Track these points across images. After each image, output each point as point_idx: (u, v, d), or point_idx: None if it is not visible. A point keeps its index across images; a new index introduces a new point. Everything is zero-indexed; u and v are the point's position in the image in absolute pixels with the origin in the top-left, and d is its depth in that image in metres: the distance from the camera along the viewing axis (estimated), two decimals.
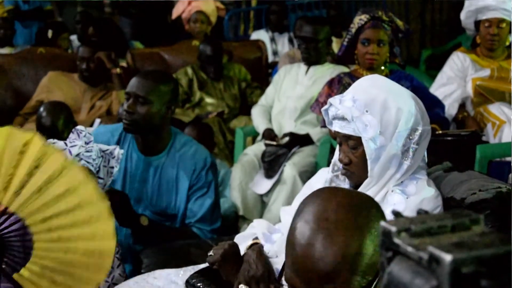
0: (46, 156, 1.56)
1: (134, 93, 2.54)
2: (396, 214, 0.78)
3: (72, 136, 2.26)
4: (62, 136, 3.32)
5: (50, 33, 5.77)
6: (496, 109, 3.72)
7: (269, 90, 4.11)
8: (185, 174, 2.65)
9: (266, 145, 3.79)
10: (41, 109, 3.44)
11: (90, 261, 1.53)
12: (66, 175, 1.54)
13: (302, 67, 3.96)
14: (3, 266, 1.62)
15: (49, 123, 3.35)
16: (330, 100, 1.81)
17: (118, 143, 2.66)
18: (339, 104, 1.78)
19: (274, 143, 3.76)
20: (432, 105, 3.22)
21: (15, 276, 1.58)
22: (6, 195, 1.58)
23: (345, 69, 3.75)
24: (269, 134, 3.86)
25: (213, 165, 2.72)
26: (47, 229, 1.56)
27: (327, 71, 3.85)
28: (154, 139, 2.63)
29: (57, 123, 3.35)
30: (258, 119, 4.01)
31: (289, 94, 3.92)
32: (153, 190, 2.65)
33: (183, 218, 2.68)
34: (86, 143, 2.24)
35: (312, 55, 3.87)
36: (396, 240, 0.72)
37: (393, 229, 0.73)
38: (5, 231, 1.60)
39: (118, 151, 2.33)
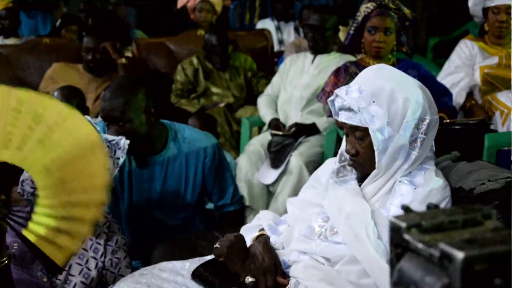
0: (45, 108, 1.57)
1: (110, 117, 2.48)
2: (406, 209, 0.76)
3: None
4: None
5: (58, 22, 5.76)
6: (505, 97, 3.68)
7: (275, 79, 4.08)
8: (197, 164, 2.65)
9: (272, 135, 3.77)
10: (55, 93, 3.43)
11: (88, 197, 1.55)
12: (67, 121, 1.57)
13: (309, 56, 3.93)
14: (11, 223, 1.64)
15: (64, 102, 3.34)
16: (336, 91, 1.79)
17: None
18: (345, 95, 1.76)
19: (280, 133, 3.74)
20: (440, 93, 3.19)
21: (24, 232, 1.60)
22: (9, 152, 1.60)
23: (351, 58, 3.72)
24: (275, 124, 3.84)
25: (218, 144, 2.75)
26: (48, 173, 1.58)
27: (334, 60, 3.82)
28: (150, 142, 2.57)
29: (71, 102, 3.35)
30: (264, 109, 3.98)
31: (295, 84, 3.89)
32: (161, 187, 2.63)
33: (197, 206, 2.72)
34: None
35: (319, 44, 3.84)
36: (406, 236, 0.70)
37: (403, 224, 0.71)
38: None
39: (124, 142, 2.32)
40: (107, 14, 5.63)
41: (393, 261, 0.71)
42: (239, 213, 2.89)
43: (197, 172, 2.65)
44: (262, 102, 4.04)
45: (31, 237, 1.58)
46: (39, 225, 1.59)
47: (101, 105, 2.52)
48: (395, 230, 0.72)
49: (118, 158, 2.32)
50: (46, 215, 1.58)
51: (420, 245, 0.68)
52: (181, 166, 2.63)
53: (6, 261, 1.69)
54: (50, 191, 1.58)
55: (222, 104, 4.35)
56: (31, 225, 1.59)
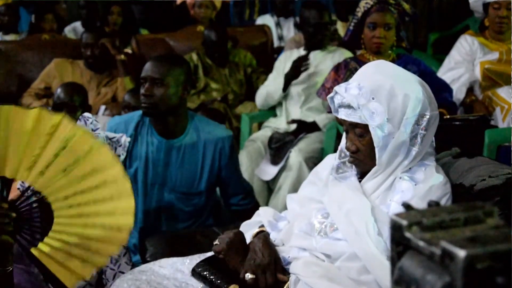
0: (75, 137, 1.60)
1: (150, 76, 2.61)
2: (407, 206, 0.75)
3: (79, 123, 2.25)
4: (76, 114, 3.31)
5: (33, 18, 5.74)
6: (505, 92, 3.67)
7: (272, 76, 4.07)
8: (214, 153, 2.72)
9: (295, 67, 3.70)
10: (59, 89, 3.41)
11: (107, 234, 1.57)
12: (94, 155, 1.59)
13: (302, 52, 3.92)
14: (19, 239, 1.66)
15: (67, 99, 3.32)
16: (336, 88, 1.78)
17: (135, 130, 2.69)
18: (344, 92, 1.75)
19: (309, 61, 3.71)
20: (440, 89, 3.19)
21: (32, 250, 1.62)
22: (30, 175, 1.63)
23: (347, 52, 3.73)
24: (295, 65, 3.77)
25: (233, 138, 2.85)
26: (68, 206, 1.61)
27: (328, 54, 3.83)
28: (173, 121, 2.68)
29: (74, 100, 3.33)
30: (270, 87, 3.94)
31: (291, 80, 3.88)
32: (176, 172, 2.70)
33: (209, 194, 2.77)
34: (93, 130, 2.23)
35: (318, 40, 3.84)
36: (407, 234, 0.69)
37: (404, 222, 0.70)
38: (25, 207, 1.65)
39: (124, 139, 2.32)
40: (127, 7, 5.66)
41: (394, 259, 0.71)
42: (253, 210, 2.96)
43: (214, 161, 2.73)
44: (261, 90, 4.02)
45: (37, 254, 1.61)
46: (49, 247, 1.61)
47: (145, 67, 2.65)
48: (396, 228, 0.71)
49: (119, 156, 2.32)
50: (59, 240, 1.61)
51: (421, 243, 0.68)
52: (199, 153, 2.71)
53: (11, 269, 1.70)
54: (66, 220, 1.62)
55: (217, 99, 4.33)
56: (41, 245, 1.62)
